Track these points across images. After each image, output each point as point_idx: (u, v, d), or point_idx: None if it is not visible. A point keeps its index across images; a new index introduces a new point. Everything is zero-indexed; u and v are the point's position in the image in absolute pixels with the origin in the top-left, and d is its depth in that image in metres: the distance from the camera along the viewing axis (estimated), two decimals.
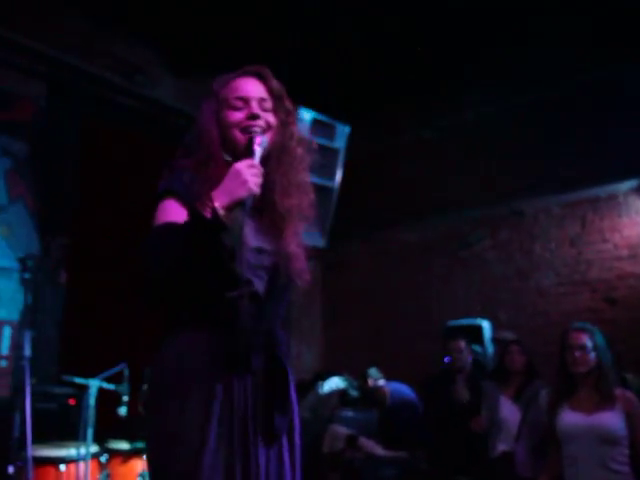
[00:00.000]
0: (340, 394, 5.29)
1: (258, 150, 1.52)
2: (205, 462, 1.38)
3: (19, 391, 3.09)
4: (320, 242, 5.01)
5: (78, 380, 3.19)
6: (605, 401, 2.84)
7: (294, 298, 6.67)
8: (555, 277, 5.63)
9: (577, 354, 2.91)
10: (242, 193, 1.41)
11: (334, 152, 4.67)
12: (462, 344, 4.33)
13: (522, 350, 3.85)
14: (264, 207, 1.59)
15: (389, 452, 4.43)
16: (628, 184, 5.25)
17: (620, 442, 2.76)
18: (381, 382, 4.75)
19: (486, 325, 5.20)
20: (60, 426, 3.56)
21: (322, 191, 4.75)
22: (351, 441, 4.38)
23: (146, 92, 5.24)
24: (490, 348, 5.05)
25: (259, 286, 1.53)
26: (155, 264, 1.41)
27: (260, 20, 4.82)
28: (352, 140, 5.06)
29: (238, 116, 1.60)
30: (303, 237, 1.66)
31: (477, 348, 4.99)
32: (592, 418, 2.81)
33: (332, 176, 4.71)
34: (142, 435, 3.18)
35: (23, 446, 2.84)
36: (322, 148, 4.65)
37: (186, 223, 1.41)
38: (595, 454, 2.77)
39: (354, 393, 5.16)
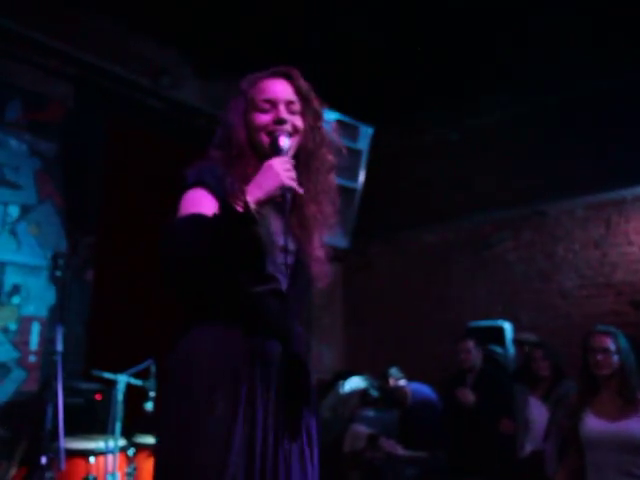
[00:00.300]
0: (361, 394, 5.31)
1: (285, 147, 1.52)
2: (231, 462, 1.36)
3: (49, 385, 3.17)
4: (343, 243, 5.04)
5: (107, 375, 3.27)
6: (628, 406, 2.81)
7: (315, 298, 6.71)
8: (578, 279, 5.59)
9: (600, 357, 2.89)
10: (275, 187, 1.40)
11: (357, 153, 4.69)
12: (470, 344, 4.35)
13: (545, 355, 3.84)
14: (291, 209, 1.57)
15: (409, 452, 4.44)
16: None
17: None
18: (402, 382, 4.77)
19: (507, 326, 5.18)
20: (87, 420, 3.64)
21: (345, 192, 4.78)
22: (372, 441, 4.41)
23: (171, 94, 5.32)
24: (511, 349, 5.04)
25: (283, 284, 1.53)
26: (184, 249, 1.37)
27: (283, 21, 4.86)
28: (375, 141, 5.08)
29: (265, 119, 1.58)
30: (326, 240, 1.67)
31: (498, 349, 4.99)
32: (616, 425, 2.77)
33: (355, 177, 4.74)
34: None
35: (55, 438, 2.92)
36: (346, 149, 4.68)
37: (217, 215, 1.40)
38: (619, 461, 2.73)
39: (375, 393, 5.18)
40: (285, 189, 1.42)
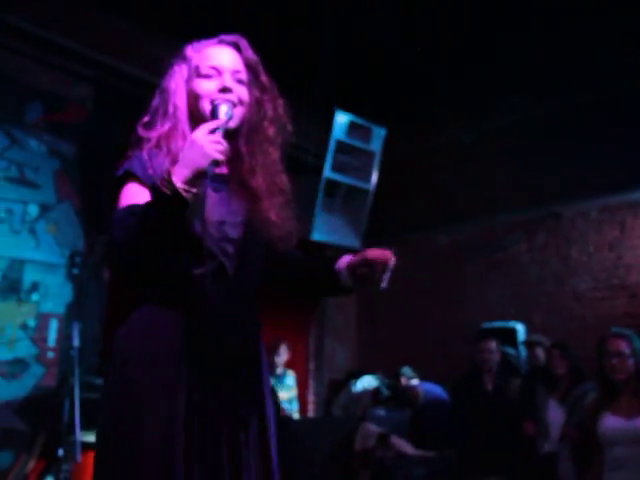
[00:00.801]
0: (372, 392, 5.35)
1: (225, 117, 1.44)
2: (174, 456, 1.32)
3: (66, 380, 3.24)
4: (355, 243, 5.07)
5: None
6: None
7: (329, 298, 6.76)
8: (592, 281, 5.57)
9: (615, 361, 2.89)
10: (202, 163, 1.33)
11: (370, 154, 4.73)
12: (493, 344, 4.36)
13: (563, 354, 3.82)
14: (230, 180, 1.54)
15: (419, 451, 4.47)
16: None
17: None
18: (414, 381, 4.80)
19: (520, 328, 5.19)
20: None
21: (358, 193, 4.82)
22: (382, 439, 4.44)
23: None
24: (523, 351, 5.04)
25: (226, 261, 1.47)
26: (120, 247, 1.37)
27: (296, 22, 4.91)
28: (388, 142, 5.11)
29: (209, 86, 1.52)
30: (287, 208, 1.59)
31: (510, 350, 4.99)
32: (633, 422, 2.79)
33: (368, 178, 4.77)
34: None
35: (72, 431, 2.99)
36: (358, 150, 4.72)
37: (148, 203, 1.36)
38: (637, 458, 2.76)
39: (386, 391, 5.21)
40: (213, 162, 1.34)
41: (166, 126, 1.52)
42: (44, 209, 4.70)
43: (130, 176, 1.48)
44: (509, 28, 5.00)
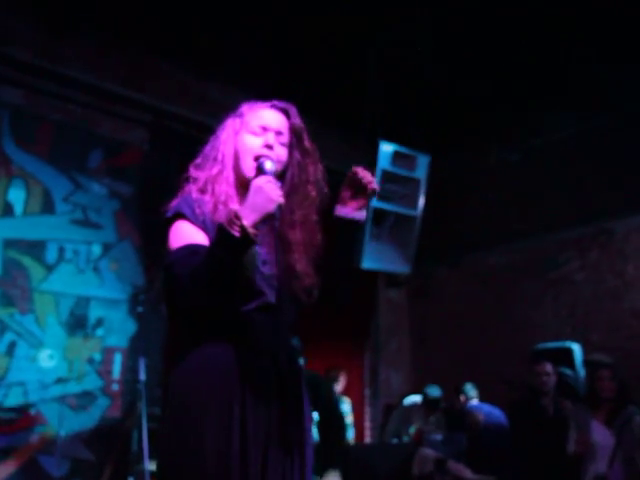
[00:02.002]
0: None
1: (270, 170, 1.56)
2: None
3: (132, 411, 3.39)
4: (404, 269, 5.13)
5: None
6: None
7: (383, 323, 6.80)
8: None
9: None
10: (270, 208, 1.44)
11: (415, 182, 4.81)
12: (549, 367, 4.30)
13: (613, 376, 3.76)
14: (269, 228, 1.65)
15: (478, 476, 4.44)
16: None
17: None
18: (474, 402, 4.77)
19: (576, 348, 5.09)
20: None
21: (405, 220, 4.89)
22: (440, 464, 4.43)
23: None
24: (582, 371, 4.94)
25: (271, 296, 1.59)
26: (184, 285, 1.43)
27: (339, 55, 5.06)
28: (436, 166, 5.17)
29: (254, 142, 1.65)
30: (313, 266, 1.67)
31: (567, 371, 4.90)
32: None
33: (414, 205, 4.84)
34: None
35: (140, 460, 3.12)
36: (403, 179, 4.81)
37: (215, 243, 1.44)
38: None
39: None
40: (278, 207, 1.46)
41: (214, 170, 1.66)
42: (106, 248, 4.95)
43: (180, 216, 1.59)
44: (553, 47, 5.02)
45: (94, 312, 4.77)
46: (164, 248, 1.61)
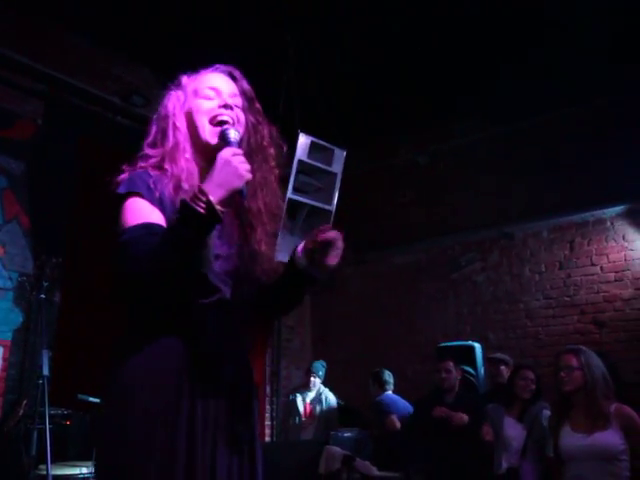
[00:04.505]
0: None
1: (235, 139, 1.47)
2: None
3: (31, 411, 3.04)
4: None
5: (93, 399, 3.15)
6: (600, 420, 2.90)
7: (285, 320, 6.68)
8: (544, 300, 5.73)
9: (563, 374, 3.02)
10: (238, 183, 1.35)
11: (332, 176, 4.70)
12: (450, 364, 4.37)
13: (535, 377, 3.81)
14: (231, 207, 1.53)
15: (384, 473, 4.43)
16: (615, 209, 5.41)
17: (620, 457, 2.84)
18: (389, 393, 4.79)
19: (477, 346, 5.25)
20: (59, 446, 3.51)
21: (319, 213, 4.79)
22: (347, 462, 4.37)
23: (143, 112, 5.27)
24: (482, 369, 5.10)
25: (226, 292, 1.48)
26: (143, 267, 1.30)
27: (259, 42, 4.91)
28: (348, 162, 5.13)
29: (209, 105, 1.54)
30: (275, 240, 1.55)
31: (469, 369, 5.03)
32: (591, 438, 2.88)
33: (330, 200, 4.74)
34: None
35: (37, 465, 2.80)
36: (320, 171, 4.71)
37: (178, 220, 1.31)
38: (599, 472, 2.84)
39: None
40: (245, 184, 1.36)
41: (169, 144, 1.52)
42: None
43: (134, 193, 1.43)
44: (460, 54, 5.16)
45: None
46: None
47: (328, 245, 1.54)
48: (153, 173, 1.47)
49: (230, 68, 1.65)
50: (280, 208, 1.59)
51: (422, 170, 6.41)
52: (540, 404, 3.69)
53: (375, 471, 4.41)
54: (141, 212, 1.40)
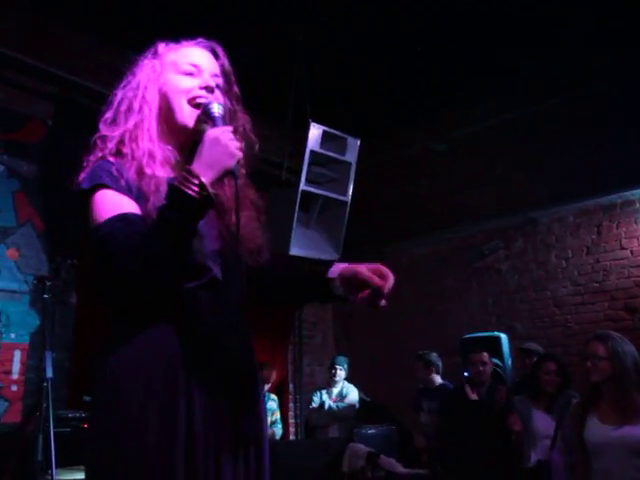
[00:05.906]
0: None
1: (220, 115, 1.34)
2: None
3: (34, 415, 2.99)
4: (332, 256, 4.92)
5: None
6: (629, 411, 2.75)
7: (306, 316, 6.60)
8: (572, 287, 5.53)
9: (589, 364, 2.83)
10: (230, 163, 1.25)
11: (346, 165, 4.58)
12: (486, 356, 4.23)
13: (558, 369, 3.65)
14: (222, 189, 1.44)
15: (410, 470, 4.31)
16: None
17: None
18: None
19: (503, 337, 5.09)
20: (77, 451, 3.45)
21: (334, 205, 4.67)
22: (372, 459, 4.27)
23: None
24: (509, 360, 4.94)
25: (217, 272, 1.37)
26: (134, 259, 1.20)
27: (270, 31, 4.82)
28: (364, 154, 5.02)
29: (189, 83, 1.41)
30: (256, 223, 1.48)
31: (496, 361, 4.88)
32: (620, 430, 2.72)
33: (345, 190, 4.62)
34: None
35: (46, 470, 2.74)
36: (334, 161, 4.58)
37: (167, 206, 1.21)
38: (626, 466, 2.68)
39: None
40: (237, 164, 1.27)
41: (130, 123, 1.38)
42: (4, 234, 4.45)
43: (99, 185, 1.31)
44: (481, 39, 5.01)
45: None
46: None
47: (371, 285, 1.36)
48: (113, 160, 1.35)
49: (213, 44, 1.52)
50: (252, 196, 1.50)
51: (441, 157, 6.25)
52: (568, 393, 3.53)
53: (400, 468, 4.30)
54: (112, 203, 1.29)
